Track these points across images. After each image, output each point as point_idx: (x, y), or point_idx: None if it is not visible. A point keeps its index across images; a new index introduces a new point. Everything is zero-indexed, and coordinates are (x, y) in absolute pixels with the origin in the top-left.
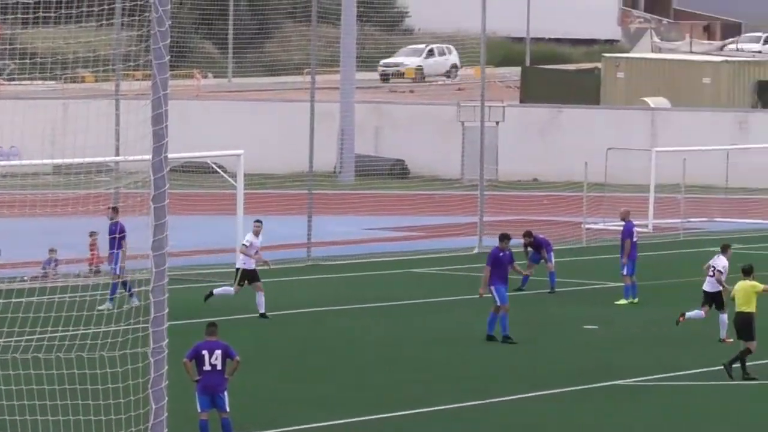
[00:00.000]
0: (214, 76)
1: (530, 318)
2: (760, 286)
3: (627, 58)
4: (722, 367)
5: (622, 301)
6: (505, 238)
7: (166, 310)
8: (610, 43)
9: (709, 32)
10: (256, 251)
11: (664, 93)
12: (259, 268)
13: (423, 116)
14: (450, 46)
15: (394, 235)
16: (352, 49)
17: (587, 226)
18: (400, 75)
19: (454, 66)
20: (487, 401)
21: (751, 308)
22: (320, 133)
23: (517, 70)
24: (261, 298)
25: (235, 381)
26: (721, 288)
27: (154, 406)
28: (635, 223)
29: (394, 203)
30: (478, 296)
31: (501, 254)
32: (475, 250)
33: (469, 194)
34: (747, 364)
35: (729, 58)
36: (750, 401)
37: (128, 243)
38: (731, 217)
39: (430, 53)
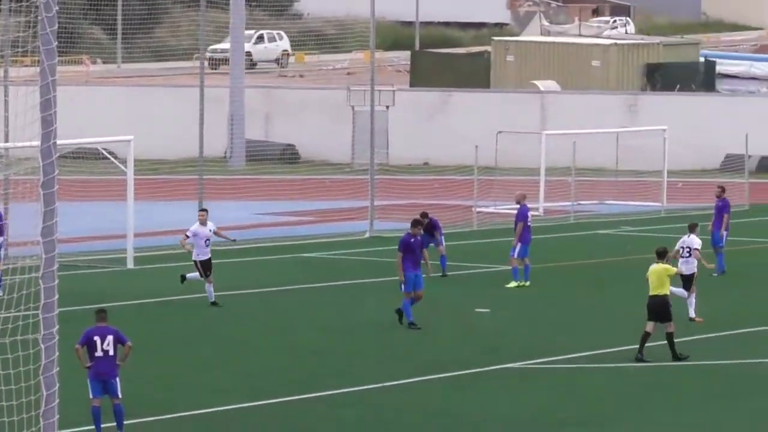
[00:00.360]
0: (104, 62)
1: (422, 301)
2: (673, 270)
3: (516, 41)
4: (635, 359)
5: (512, 284)
6: (417, 223)
7: (56, 297)
8: (500, 27)
9: (598, 15)
10: (207, 239)
11: (554, 76)
12: (214, 258)
13: (313, 101)
14: (281, 32)
15: (286, 219)
16: (242, 33)
17: (478, 209)
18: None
19: (286, 52)
20: (380, 385)
21: (666, 290)
22: (210, 118)
23: (407, 54)
24: (210, 288)
25: (127, 367)
26: (695, 270)
27: (45, 393)
28: (528, 206)
29: (285, 188)
30: (400, 284)
31: (412, 240)
32: (367, 235)
33: (360, 179)
34: (646, 344)
35: (618, 41)
36: (639, 382)
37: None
38: (622, 199)
39: (260, 39)
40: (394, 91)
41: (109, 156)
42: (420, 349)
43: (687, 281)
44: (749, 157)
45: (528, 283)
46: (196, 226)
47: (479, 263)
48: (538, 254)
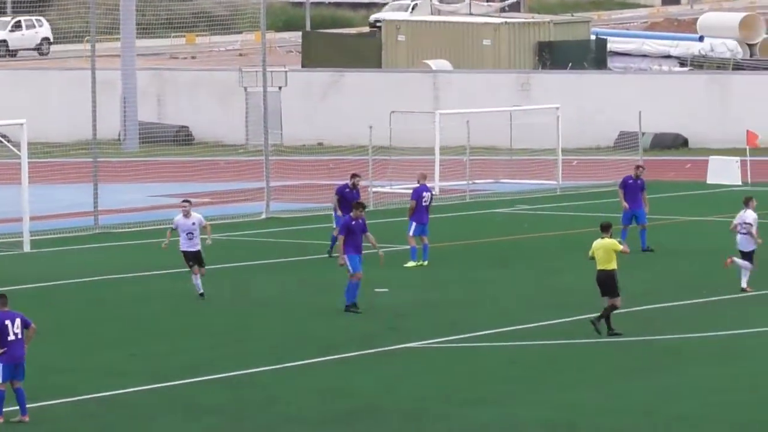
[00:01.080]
0: None
1: (320, 281)
2: (619, 246)
3: (407, 21)
4: (590, 323)
5: (410, 264)
6: (359, 206)
7: None
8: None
9: None
10: (189, 233)
11: (446, 55)
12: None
13: (205, 82)
14: (41, 18)
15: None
16: (132, 16)
17: (374, 189)
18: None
19: (46, 39)
20: (278, 366)
21: (613, 265)
22: (103, 101)
23: (298, 34)
24: (197, 280)
25: (28, 350)
26: (754, 247)
27: None
28: (427, 186)
29: (180, 170)
30: (339, 266)
31: (353, 222)
32: (263, 216)
33: (254, 160)
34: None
35: (509, 20)
36: (541, 360)
37: None
38: (516, 178)
39: (17, 26)
40: (286, 71)
41: (1, 139)
42: (318, 330)
43: (747, 257)
44: (643, 134)
45: (426, 263)
46: (178, 218)
47: (378, 243)
48: (435, 234)
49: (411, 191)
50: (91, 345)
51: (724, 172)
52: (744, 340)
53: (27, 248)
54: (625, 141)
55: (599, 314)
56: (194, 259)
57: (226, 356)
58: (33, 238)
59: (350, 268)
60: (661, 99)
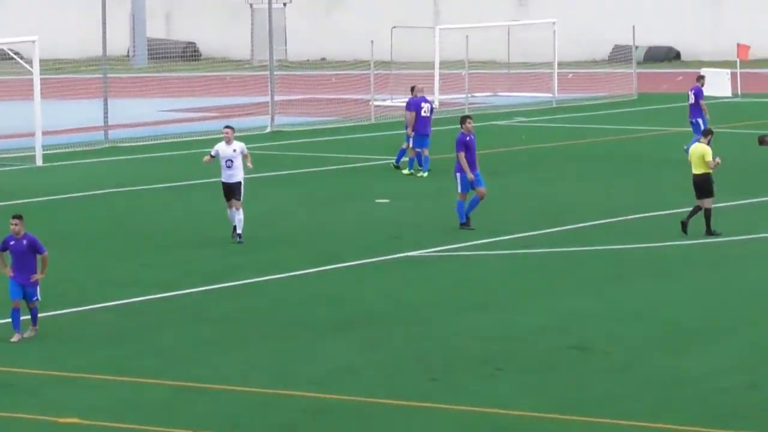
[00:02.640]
0: None
1: (317, 195)
2: (709, 156)
3: None
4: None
5: (405, 172)
6: (467, 119)
7: None
8: None
9: None
10: (228, 160)
11: None
12: (244, 176)
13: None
14: None
15: (189, 116)
16: None
17: (375, 103)
18: None
19: None
20: (284, 275)
21: (704, 169)
22: (112, 18)
23: None
24: (238, 215)
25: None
26: None
27: None
28: (426, 97)
29: (188, 85)
30: (469, 181)
31: (467, 138)
32: (268, 129)
33: (260, 74)
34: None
35: None
36: (533, 268)
37: None
38: (514, 91)
39: None
40: None
41: (14, 56)
42: (319, 240)
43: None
44: (636, 47)
45: (426, 174)
46: (219, 145)
47: (379, 155)
48: (434, 146)
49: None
50: (102, 256)
51: (716, 84)
52: (735, 247)
53: (39, 162)
54: (620, 54)
55: (687, 216)
56: (234, 191)
57: (234, 266)
58: (45, 152)
59: (460, 186)
60: (655, 13)
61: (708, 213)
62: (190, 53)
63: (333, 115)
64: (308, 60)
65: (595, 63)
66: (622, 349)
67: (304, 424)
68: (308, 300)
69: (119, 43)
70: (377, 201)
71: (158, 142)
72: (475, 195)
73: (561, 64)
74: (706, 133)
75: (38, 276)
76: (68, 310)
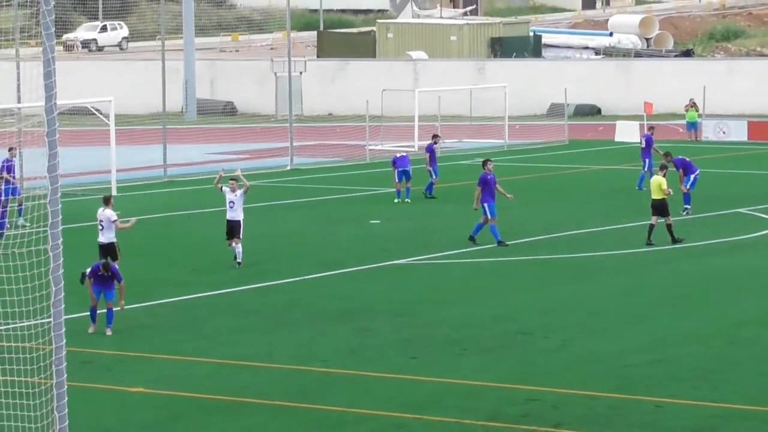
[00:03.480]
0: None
1: (326, 217)
2: (665, 184)
3: (395, 23)
4: (646, 244)
5: (396, 200)
6: (488, 162)
7: (60, 217)
8: (382, 12)
9: (454, 2)
10: (231, 202)
11: (423, 48)
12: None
13: (246, 69)
14: (122, 22)
15: (228, 157)
16: (192, 20)
17: (370, 147)
18: (77, 45)
19: (125, 38)
20: (299, 278)
21: (661, 195)
22: (170, 83)
23: (314, 33)
24: (238, 248)
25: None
26: None
27: (54, 287)
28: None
29: (227, 134)
30: (473, 209)
31: (489, 176)
32: (288, 167)
33: (282, 126)
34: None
35: (469, 21)
36: (494, 273)
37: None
38: (475, 138)
39: (104, 29)
40: (305, 61)
41: (96, 112)
42: (327, 251)
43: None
44: (567, 105)
45: (409, 200)
46: (226, 190)
47: (372, 187)
48: (415, 179)
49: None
50: (162, 263)
51: (628, 133)
52: (644, 255)
53: (114, 192)
54: (555, 110)
55: (648, 232)
56: (233, 229)
57: (261, 271)
58: (119, 185)
59: (489, 213)
60: (582, 79)
61: (669, 227)
62: (229, 110)
63: (337, 157)
64: (319, 115)
65: (536, 117)
66: (556, 334)
67: (316, 391)
68: (318, 297)
69: (175, 102)
70: (371, 221)
71: (204, 177)
72: (489, 222)
73: (510, 118)
74: (662, 167)
75: (119, 306)
76: (136, 305)
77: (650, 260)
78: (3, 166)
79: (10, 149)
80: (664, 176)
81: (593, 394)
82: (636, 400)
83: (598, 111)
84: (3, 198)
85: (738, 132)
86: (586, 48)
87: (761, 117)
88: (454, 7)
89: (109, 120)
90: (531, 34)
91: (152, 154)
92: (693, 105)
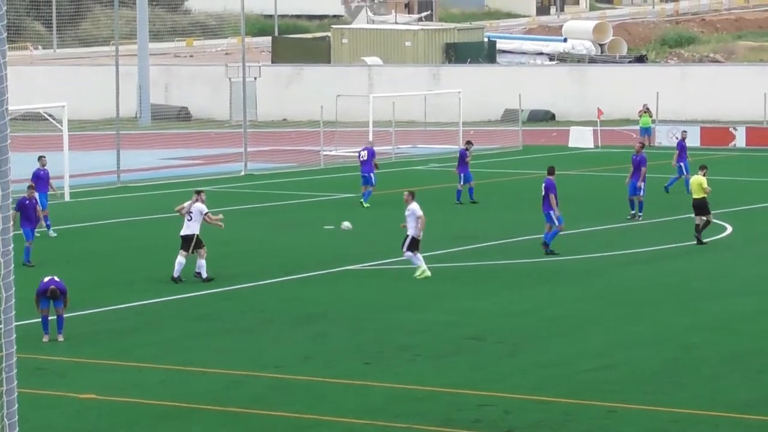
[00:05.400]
0: (43, 48)
1: (280, 222)
2: (705, 183)
3: (349, 28)
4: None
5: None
6: (554, 170)
7: (10, 223)
8: (337, 18)
9: (409, 8)
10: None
11: (378, 54)
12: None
13: (200, 74)
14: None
15: (183, 163)
16: (146, 25)
17: (324, 153)
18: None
19: None
20: (256, 283)
21: (702, 194)
22: (124, 89)
23: (269, 39)
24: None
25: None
26: None
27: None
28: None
29: (181, 139)
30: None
31: (554, 182)
32: (242, 173)
33: (236, 131)
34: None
35: (424, 27)
36: (445, 278)
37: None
38: (429, 144)
39: None
40: (260, 66)
41: (48, 117)
42: (281, 257)
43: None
44: (522, 110)
45: (368, 204)
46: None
47: (327, 192)
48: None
49: (357, 153)
50: (116, 269)
51: (581, 138)
52: (596, 261)
53: (67, 198)
54: (509, 116)
55: (696, 230)
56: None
57: (217, 276)
58: (72, 190)
59: (557, 221)
60: (536, 85)
61: (707, 225)
62: (183, 115)
63: (292, 162)
64: (273, 120)
65: (490, 122)
66: (510, 339)
67: (269, 397)
68: (272, 303)
69: (129, 107)
70: (325, 227)
71: (158, 183)
72: (555, 228)
73: (465, 123)
74: (703, 167)
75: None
76: (94, 310)
77: (603, 265)
78: (33, 176)
79: (40, 158)
80: (704, 176)
81: (545, 399)
82: (588, 405)
83: (552, 117)
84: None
85: (690, 137)
86: (541, 54)
87: (714, 123)
88: (408, 13)
89: (62, 125)
90: (485, 39)
91: (106, 159)
92: (646, 110)
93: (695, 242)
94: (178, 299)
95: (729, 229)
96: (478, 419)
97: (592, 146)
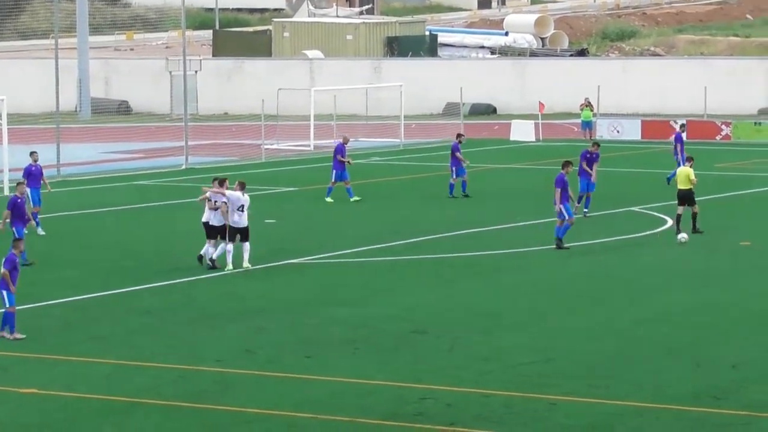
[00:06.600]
0: None
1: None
2: (692, 176)
3: (291, 21)
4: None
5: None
6: (568, 164)
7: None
8: (278, 11)
9: (350, 1)
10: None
11: (319, 47)
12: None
13: (141, 68)
14: None
15: (123, 156)
16: (86, 18)
17: (265, 146)
18: None
19: None
20: (195, 278)
21: (689, 185)
22: (64, 82)
23: (210, 32)
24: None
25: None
26: None
27: None
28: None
29: (122, 133)
30: (556, 210)
31: (566, 178)
32: (183, 166)
33: (177, 125)
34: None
35: (365, 20)
36: (386, 272)
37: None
38: (371, 137)
39: None
40: (200, 60)
41: None
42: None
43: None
44: (463, 104)
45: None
46: (229, 193)
47: (268, 186)
48: (311, 178)
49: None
50: (56, 264)
51: (523, 132)
52: (539, 254)
53: (6, 192)
54: (451, 109)
55: (677, 220)
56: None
57: (156, 272)
58: (11, 184)
59: (566, 214)
60: (477, 78)
61: (695, 216)
62: (123, 109)
63: (233, 156)
64: (214, 114)
65: (432, 116)
66: (451, 333)
67: (211, 392)
68: (214, 297)
69: (69, 101)
70: (266, 221)
71: (99, 176)
72: (566, 222)
73: (406, 117)
74: (690, 159)
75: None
76: (31, 306)
77: (545, 259)
78: (25, 172)
79: (32, 153)
80: (690, 167)
81: (487, 392)
82: (530, 398)
83: (494, 110)
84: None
85: (631, 131)
86: (482, 47)
87: (654, 116)
88: (350, 6)
89: (0, 119)
90: (427, 33)
91: (46, 153)
92: (588, 104)
93: (676, 230)
94: (119, 294)
95: (669, 222)
96: (420, 413)
97: (533, 139)
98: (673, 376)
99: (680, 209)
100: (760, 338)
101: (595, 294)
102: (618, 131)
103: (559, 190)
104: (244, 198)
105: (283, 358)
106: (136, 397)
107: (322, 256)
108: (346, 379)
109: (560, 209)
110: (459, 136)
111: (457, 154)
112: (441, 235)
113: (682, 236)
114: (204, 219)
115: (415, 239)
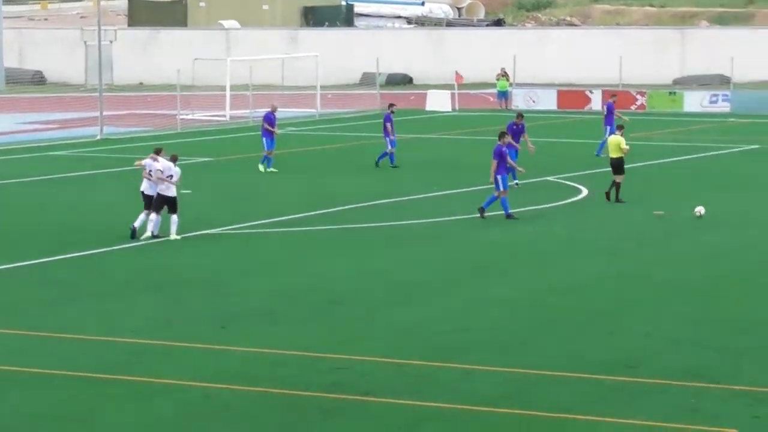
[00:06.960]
0: None
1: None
2: (623, 144)
3: None
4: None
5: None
6: (504, 134)
7: None
8: None
9: None
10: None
11: (235, 17)
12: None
13: (55, 38)
14: None
15: (38, 127)
16: None
17: (181, 116)
18: None
19: None
20: (109, 249)
21: (619, 154)
22: None
23: (125, 2)
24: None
25: None
26: None
27: None
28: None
29: (36, 104)
30: (489, 183)
31: (504, 149)
32: (98, 137)
33: (92, 95)
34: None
35: None
36: (306, 241)
37: None
38: (288, 108)
39: None
40: (116, 30)
41: None
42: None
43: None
44: (379, 74)
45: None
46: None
47: (184, 156)
48: (226, 149)
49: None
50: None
51: (439, 102)
52: (454, 224)
53: None
54: (367, 79)
55: (608, 189)
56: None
57: (68, 242)
58: None
59: (502, 185)
60: (393, 48)
61: (618, 186)
62: (38, 79)
63: (148, 126)
64: (129, 84)
65: (348, 86)
66: (366, 303)
67: (125, 363)
68: (127, 268)
69: None
70: (182, 191)
71: (13, 147)
72: (494, 194)
73: (323, 87)
74: (620, 127)
75: None
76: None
77: (460, 228)
78: None
79: None
80: (621, 136)
81: (402, 362)
82: (445, 367)
83: (410, 80)
84: None
85: (547, 101)
86: (399, 17)
87: (570, 86)
88: None
89: None
90: (343, 3)
91: None
92: (504, 74)
93: (615, 199)
94: (30, 265)
95: (584, 191)
96: (334, 383)
97: (449, 110)
98: (585, 345)
99: (617, 178)
100: (672, 308)
101: (509, 264)
102: (534, 101)
103: (495, 161)
104: (175, 169)
105: (197, 329)
106: (48, 368)
107: (238, 226)
108: (261, 350)
109: (494, 180)
110: (391, 105)
111: (387, 124)
112: (358, 205)
113: (699, 209)
114: (141, 188)
115: (331, 209)
